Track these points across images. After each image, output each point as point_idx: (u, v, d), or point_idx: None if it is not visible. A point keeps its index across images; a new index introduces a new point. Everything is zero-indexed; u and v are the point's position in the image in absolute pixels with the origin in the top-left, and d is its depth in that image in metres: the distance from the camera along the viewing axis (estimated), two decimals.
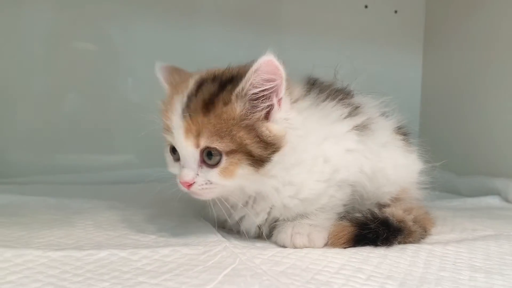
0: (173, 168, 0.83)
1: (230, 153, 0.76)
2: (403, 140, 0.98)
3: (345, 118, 0.88)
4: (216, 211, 0.89)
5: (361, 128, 0.90)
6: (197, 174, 0.77)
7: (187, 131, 0.76)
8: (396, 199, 0.96)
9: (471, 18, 1.81)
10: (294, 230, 0.83)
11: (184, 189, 0.79)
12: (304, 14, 1.89)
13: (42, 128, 1.63)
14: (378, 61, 2.00)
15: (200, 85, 0.80)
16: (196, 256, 0.72)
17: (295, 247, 0.81)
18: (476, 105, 1.77)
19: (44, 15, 1.61)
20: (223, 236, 0.87)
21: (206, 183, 0.77)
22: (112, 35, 1.70)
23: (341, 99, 0.89)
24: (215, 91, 0.78)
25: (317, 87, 0.90)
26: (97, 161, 1.71)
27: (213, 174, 0.76)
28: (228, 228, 0.91)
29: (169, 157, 0.84)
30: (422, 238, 0.90)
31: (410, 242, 0.86)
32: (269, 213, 0.85)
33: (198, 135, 0.75)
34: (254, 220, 0.85)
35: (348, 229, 0.83)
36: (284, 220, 0.85)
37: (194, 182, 0.77)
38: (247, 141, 0.76)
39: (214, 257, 0.72)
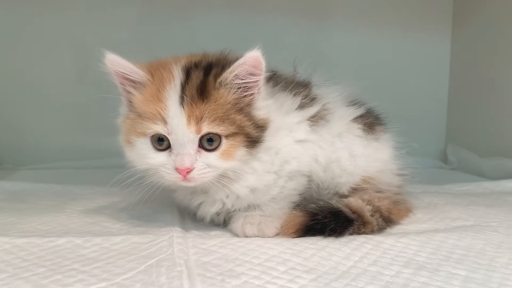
0: (155, 159, 0.81)
1: (229, 136, 0.80)
2: (364, 128, 0.96)
3: (297, 109, 0.89)
4: (178, 197, 0.94)
5: (316, 119, 0.90)
6: (196, 160, 0.79)
7: (189, 118, 0.77)
8: (357, 189, 0.95)
9: None
10: (245, 220, 0.86)
11: (176, 177, 0.79)
12: None
13: (71, 115, 1.77)
14: (404, 39, 1.93)
15: (188, 72, 0.81)
16: (140, 245, 0.78)
17: (246, 236, 0.85)
18: (506, 86, 1.63)
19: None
20: (184, 224, 0.92)
21: (204, 168, 0.79)
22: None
23: (294, 91, 0.90)
24: (203, 78, 0.80)
25: (273, 80, 0.90)
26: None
27: (213, 158, 0.79)
28: (193, 214, 0.96)
29: (148, 148, 0.82)
30: (382, 228, 0.89)
31: (364, 233, 0.85)
32: (223, 204, 0.88)
33: (199, 122, 0.77)
34: (209, 209, 0.89)
35: (298, 219, 0.84)
36: (236, 211, 0.88)
37: (193, 168, 0.78)
38: (245, 123, 0.81)
39: (153, 247, 0.77)
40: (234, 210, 0.89)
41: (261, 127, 0.83)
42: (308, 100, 0.91)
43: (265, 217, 0.86)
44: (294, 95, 0.90)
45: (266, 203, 0.88)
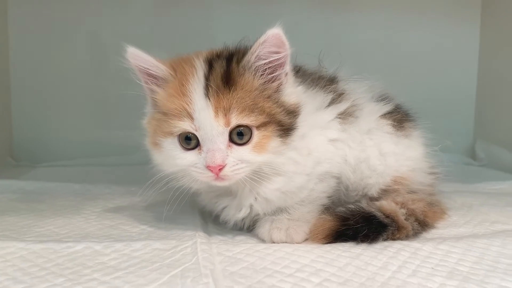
0: (185, 159, 0.76)
1: (261, 126, 0.75)
2: (394, 125, 0.90)
3: (327, 106, 0.84)
4: (202, 201, 0.90)
5: (345, 115, 0.85)
6: (227, 155, 0.74)
7: (216, 109, 0.73)
8: (387, 191, 0.89)
9: None
10: (272, 225, 0.81)
11: (208, 177, 0.74)
12: None
13: (89, 110, 1.74)
14: (429, 29, 1.86)
15: (210, 63, 0.77)
16: (162, 252, 0.74)
17: (273, 242, 0.80)
18: None
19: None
20: (206, 228, 0.88)
21: (237, 164, 0.74)
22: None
23: (323, 86, 0.85)
24: (226, 67, 0.76)
25: (300, 75, 0.85)
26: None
27: (245, 152, 0.75)
28: (215, 217, 0.91)
29: (177, 148, 0.77)
30: (418, 233, 0.83)
31: (399, 239, 0.80)
32: (251, 208, 0.83)
33: (227, 113, 0.73)
34: (236, 214, 0.84)
35: (328, 224, 0.79)
36: (265, 214, 0.84)
37: (225, 165, 0.73)
38: (276, 110, 0.76)
39: (176, 254, 0.72)
40: (258, 215, 0.84)
41: (293, 112, 0.78)
42: (337, 95, 0.86)
43: (293, 221, 0.81)
44: (325, 91, 0.85)
45: (294, 206, 0.83)
